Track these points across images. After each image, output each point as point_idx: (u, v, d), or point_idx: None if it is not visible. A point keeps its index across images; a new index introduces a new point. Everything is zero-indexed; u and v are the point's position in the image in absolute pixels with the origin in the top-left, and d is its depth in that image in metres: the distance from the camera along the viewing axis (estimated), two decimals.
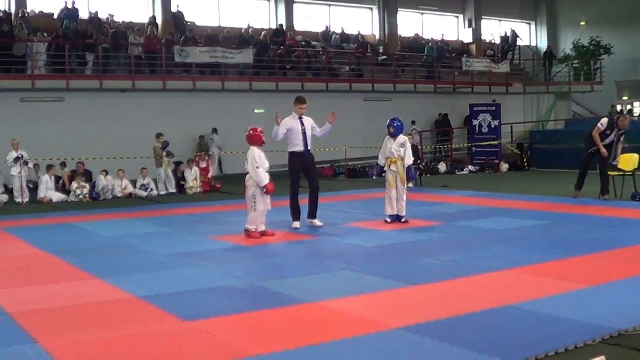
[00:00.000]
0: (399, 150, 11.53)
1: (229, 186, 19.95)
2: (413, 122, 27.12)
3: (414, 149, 19.86)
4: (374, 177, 11.71)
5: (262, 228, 10.49)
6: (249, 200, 10.43)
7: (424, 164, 23.05)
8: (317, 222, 11.40)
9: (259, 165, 10.29)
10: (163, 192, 19.10)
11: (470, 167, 25.52)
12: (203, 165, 20.14)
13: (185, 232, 11.43)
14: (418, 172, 19.40)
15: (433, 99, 30.45)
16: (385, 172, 11.68)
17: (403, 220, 11.57)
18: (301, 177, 11.51)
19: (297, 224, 11.25)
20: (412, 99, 29.39)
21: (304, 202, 11.48)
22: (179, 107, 24.06)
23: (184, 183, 19.49)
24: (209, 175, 20.22)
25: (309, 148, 11.22)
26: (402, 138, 11.65)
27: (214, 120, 24.42)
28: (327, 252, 9.46)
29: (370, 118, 25.51)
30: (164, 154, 19.36)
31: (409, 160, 11.57)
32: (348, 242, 9.98)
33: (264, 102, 25.28)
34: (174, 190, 19.28)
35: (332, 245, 9.89)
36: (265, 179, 10.27)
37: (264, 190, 10.33)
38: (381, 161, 11.69)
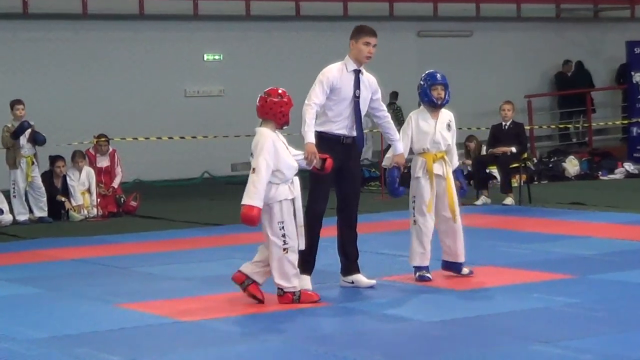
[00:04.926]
0: (446, 136, 8.53)
1: (151, 203, 15.45)
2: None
3: (519, 129, 16.01)
4: (400, 194, 7.95)
5: (309, 285, 7.58)
6: (270, 227, 7.40)
7: (534, 160, 18.40)
8: (361, 278, 8.35)
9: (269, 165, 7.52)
10: (23, 218, 14.98)
11: (629, 166, 19.83)
12: (103, 162, 14.90)
13: (68, 294, 9.19)
14: (523, 179, 15.21)
15: (553, 32, 23.87)
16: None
17: (465, 271, 8.55)
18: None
19: (306, 281, 7.98)
20: (511, 32, 23.01)
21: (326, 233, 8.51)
22: (58, 52, 18.62)
23: (64, 200, 14.64)
24: (115, 184, 14.91)
25: (362, 130, 8.41)
26: (447, 113, 8.64)
27: (123, 76, 18.78)
28: (347, 333, 6.98)
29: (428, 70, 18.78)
30: (24, 142, 14.69)
31: (456, 157, 8.81)
32: (389, 314, 7.59)
33: (221, 40, 20.16)
34: (45, 214, 14.89)
35: (359, 321, 7.55)
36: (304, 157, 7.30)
37: (321, 168, 7.35)
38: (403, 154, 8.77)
